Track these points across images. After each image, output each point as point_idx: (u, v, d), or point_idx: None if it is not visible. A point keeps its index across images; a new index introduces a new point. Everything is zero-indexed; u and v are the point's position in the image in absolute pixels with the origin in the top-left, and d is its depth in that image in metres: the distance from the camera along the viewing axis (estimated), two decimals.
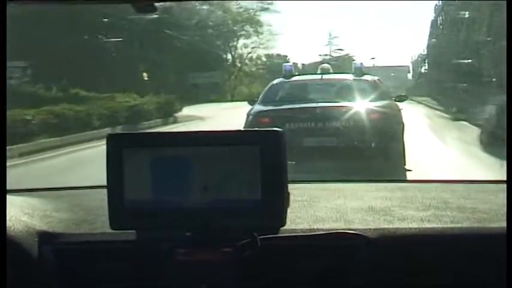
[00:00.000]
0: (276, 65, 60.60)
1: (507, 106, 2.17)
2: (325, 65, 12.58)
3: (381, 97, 9.96)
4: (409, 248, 1.51)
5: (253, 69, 55.06)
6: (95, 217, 1.66)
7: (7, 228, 1.50)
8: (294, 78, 10.92)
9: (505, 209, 1.65)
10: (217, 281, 1.47)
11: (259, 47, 52.44)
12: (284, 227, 1.47)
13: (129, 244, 1.52)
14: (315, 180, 2.44)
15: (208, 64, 40.68)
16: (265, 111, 9.60)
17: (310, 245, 1.51)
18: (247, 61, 54.27)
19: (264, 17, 53.40)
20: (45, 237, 1.55)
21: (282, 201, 1.43)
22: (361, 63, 11.13)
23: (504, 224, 1.54)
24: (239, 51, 53.27)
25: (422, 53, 45.08)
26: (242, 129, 1.50)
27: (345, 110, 9.30)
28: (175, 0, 5.75)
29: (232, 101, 39.70)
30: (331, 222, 1.60)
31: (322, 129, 9.17)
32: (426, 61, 40.86)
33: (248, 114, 9.90)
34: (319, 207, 1.74)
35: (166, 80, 34.32)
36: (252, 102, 11.22)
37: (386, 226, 1.56)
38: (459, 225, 1.57)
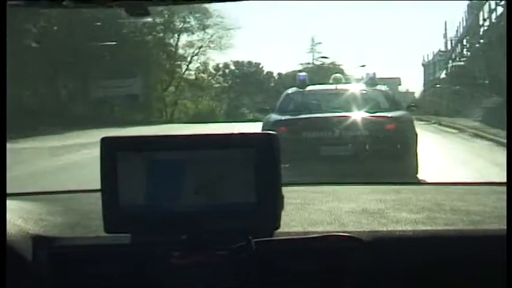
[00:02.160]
0: (246, 75, 55.27)
1: (507, 106, 2.18)
2: (337, 75, 12.79)
3: (395, 107, 10.24)
4: (403, 251, 1.52)
5: (207, 77, 47.15)
6: (89, 221, 1.66)
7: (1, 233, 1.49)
8: (308, 88, 11.15)
9: (498, 211, 1.66)
10: (212, 284, 1.47)
11: (209, 47, 44.23)
12: (279, 230, 1.47)
13: (123, 248, 1.52)
14: (309, 183, 2.45)
15: (125, 69, 30.06)
16: (282, 120, 9.77)
17: (304, 247, 1.51)
18: (192, 66, 45.35)
19: (214, 6, 42.29)
20: (39, 241, 1.55)
21: (276, 204, 1.43)
22: (374, 73, 11.38)
23: (497, 226, 1.55)
24: (180, 51, 44.33)
25: (440, 55, 42.80)
26: (237, 132, 1.50)
27: (361, 120, 9.52)
28: (169, 4, 5.73)
29: (170, 122, 34.88)
30: (325, 224, 1.60)
31: (339, 139, 9.39)
32: (449, 68, 37.36)
33: (264, 124, 10.17)
34: (314, 209, 1.74)
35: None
36: (262, 110, 11.78)
37: (380, 228, 1.56)
38: (453, 227, 1.58)
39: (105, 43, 28.31)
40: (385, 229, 1.56)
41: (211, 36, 43.52)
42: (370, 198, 1.88)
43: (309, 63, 53.63)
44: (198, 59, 46.50)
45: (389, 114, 9.82)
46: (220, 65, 53.51)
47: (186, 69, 45.69)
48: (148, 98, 36.34)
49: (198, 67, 46.66)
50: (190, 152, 1.44)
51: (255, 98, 52.94)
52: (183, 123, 35.74)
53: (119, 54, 30.78)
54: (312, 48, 54.83)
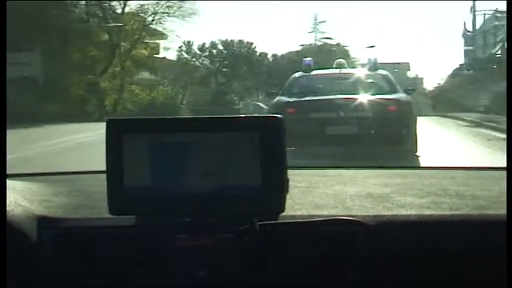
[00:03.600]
0: (236, 56, 47.16)
1: (507, 105, 2.17)
2: (341, 60, 13.18)
3: (395, 90, 10.98)
4: (408, 235, 1.51)
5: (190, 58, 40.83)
6: (94, 202, 1.67)
7: (6, 213, 1.50)
8: (313, 72, 11.91)
9: (504, 196, 1.66)
10: (216, 267, 1.47)
11: (167, 14, 35.24)
12: (283, 213, 1.47)
13: (128, 229, 1.52)
14: (314, 167, 2.45)
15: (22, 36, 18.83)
16: (290, 102, 10.49)
17: (309, 231, 1.51)
18: (146, 41, 35.90)
19: None
20: (44, 222, 1.55)
21: (281, 187, 1.43)
22: (375, 59, 12.07)
23: (503, 211, 1.55)
24: (127, 19, 33.81)
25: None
26: (242, 115, 1.50)
27: (364, 102, 10.26)
28: None
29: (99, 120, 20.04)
30: (330, 208, 1.60)
31: (344, 119, 10.09)
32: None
33: (273, 105, 11.03)
34: (318, 193, 1.74)
35: None
36: (270, 93, 12.53)
37: (385, 213, 1.56)
38: (458, 212, 1.57)
39: None
40: (389, 213, 1.56)
41: None
42: (375, 182, 1.88)
43: (310, 44, 48.60)
44: (153, 32, 36.84)
45: (390, 97, 10.55)
46: (207, 45, 47.23)
47: (136, 45, 35.88)
48: (60, 82, 25.40)
49: (151, 44, 37.13)
50: (195, 134, 1.44)
51: (246, 83, 47.83)
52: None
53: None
54: (315, 28, 50.54)
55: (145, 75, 39.86)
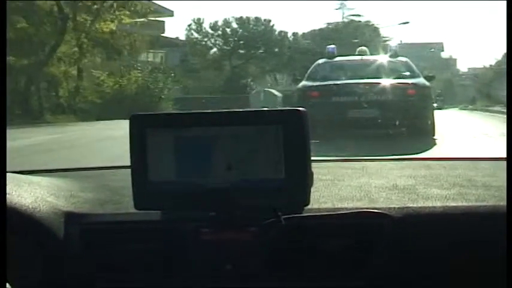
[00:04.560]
0: (253, 36, 41.29)
1: (507, 103, 2.15)
2: (363, 48, 13.80)
3: (414, 76, 11.56)
4: (434, 227, 1.50)
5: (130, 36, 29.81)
6: (120, 197, 1.67)
7: (33, 209, 1.51)
8: (337, 58, 12.49)
9: None
10: (242, 261, 1.47)
11: None
12: (308, 206, 1.47)
13: (154, 224, 1.53)
14: (338, 159, 2.44)
15: None
16: (314, 86, 11.15)
17: (334, 224, 1.51)
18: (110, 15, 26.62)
19: None
20: (71, 217, 1.56)
21: (305, 180, 1.43)
22: (396, 46, 13.14)
23: None
24: None
25: None
26: (265, 108, 1.50)
27: (384, 86, 10.83)
28: None
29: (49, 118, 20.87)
30: (355, 201, 1.59)
31: (365, 102, 10.64)
32: None
33: (296, 90, 11.81)
34: (343, 185, 1.74)
35: None
36: (295, 80, 12.97)
37: (411, 205, 1.55)
38: (484, 203, 1.56)
39: None
40: (415, 205, 1.55)
41: None
42: (401, 174, 1.86)
43: (338, 23, 44.82)
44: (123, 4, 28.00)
45: (409, 81, 11.20)
46: (219, 23, 42.08)
47: (96, 18, 26.94)
48: None
49: (113, 19, 27.47)
50: (219, 128, 1.44)
51: (264, 65, 43.17)
52: (83, 115, 23.69)
53: None
54: (342, 4, 47.92)
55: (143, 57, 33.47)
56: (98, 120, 19.36)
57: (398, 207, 1.53)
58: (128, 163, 1.48)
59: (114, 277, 1.53)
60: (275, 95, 32.97)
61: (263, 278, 1.49)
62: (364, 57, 12.77)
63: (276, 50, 44.24)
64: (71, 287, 1.53)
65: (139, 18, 31.42)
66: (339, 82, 11.18)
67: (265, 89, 35.19)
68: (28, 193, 1.57)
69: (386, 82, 10.99)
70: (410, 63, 12.12)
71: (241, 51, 44.06)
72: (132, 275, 1.53)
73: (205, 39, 43.39)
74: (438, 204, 1.55)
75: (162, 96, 31.10)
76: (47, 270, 1.49)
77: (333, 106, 10.64)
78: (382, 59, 12.59)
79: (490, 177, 1.80)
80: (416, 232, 1.50)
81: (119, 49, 30.33)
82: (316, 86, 11.12)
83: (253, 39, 43.31)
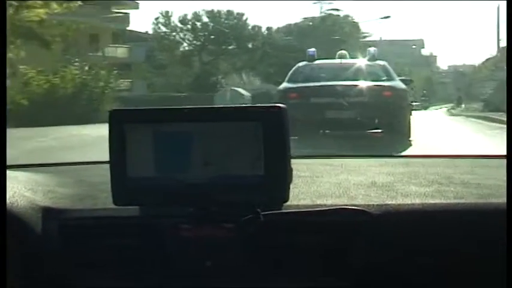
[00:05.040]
0: (224, 30, 38.29)
1: (507, 103, 2.17)
2: (343, 52, 14.19)
3: (391, 78, 12.04)
4: (413, 224, 1.51)
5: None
6: (98, 192, 1.67)
7: (10, 204, 1.50)
8: (316, 62, 12.97)
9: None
10: (221, 257, 1.47)
11: None
12: (287, 203, 1.47)
13: (132, 220, 1.52)
14: (317, 156, 2.44)
15: None
16: (293, 87, 11.57)
17: (313, 220, 1.51)
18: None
19: None
20: (48, 213, 1.55)
21: (285, 176, 1.43)
22: (375, 50, 13.20)
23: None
24: None
25: None
26: (245, 105, 1.50)
27: (361, 88, 11.33)
28: None
29: None
30: (334, 197, 1.60)
31: (342, 104, 11.02)
32: None
33: (278, 91, 12.25)
34: (322, 182, 1.74)
35: None
36: (276, 83, 14.07)
37: (390, 202, 1.56)
38: (463, 200, 1.57)
39: None
40: (394, 202, 1.55)
41: None
42: (379, 171, 1.87)
43: (314, 17, 42.71)
44: None
45: (385, 84, 11.66)
46: (189, 16, 39.90)
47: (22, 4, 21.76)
48: None
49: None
50: (198, 124, 1.44)
51: (235, 61, 40.99)
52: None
53: None
54: None
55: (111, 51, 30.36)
56: (19, 127, 15.41)
57: (377, 204, 1.54)
58: (107, 159, 1.47)
59: (93, 273, 1.52)
60: (242, 95, 31.26)
61: (242, 274, 1.49)
62: (343, 61, 13.24)
63: (249, 45, 42.12)
64: (50, 283, 1.52)
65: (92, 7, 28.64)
66: (317, 84, 11.61)
67: (232, 88, 33.17)
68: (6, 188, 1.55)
69: (363, 84, 11.47)
70: (388, 66, 12.61)
71: (212, 47, 41.40)
72: (110, 271, 1.52)
73: (174, 34, 40.58)
74: (417, 201, 1.56)
75: (103, 98, 25.95)
76: (25, 265, 1.48)
77: (311, 107, 11.07)
78: (361, 62, 13.07)
79: (468, 175, 1.81)
80: (395, 229, 1.51)
81: (48, 40, 25.20)
82: (296, 87, 11.57)
83: (224, 34, 40.62)
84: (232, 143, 1.42)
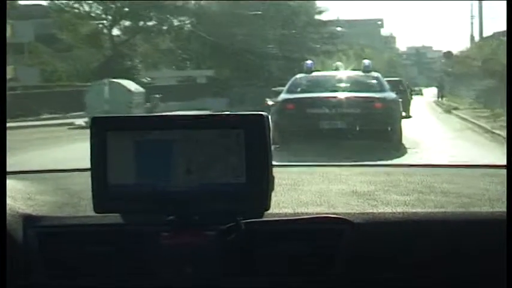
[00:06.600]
0: (141, 2, 27.06)
1: (507, 102, 2.19)
2: (339, 63, 15.24)
3: (383, 90, 12.53)
4: (393, 232, 1.52)
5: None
6: (78, 200, 1.66)
7: None
8: (313, 73, 13.54)
9: (489, 193, 1.67)
10: (201, 265, 1.47)
11: None
12: (268, 211, 1.47)
13: (112, 227, 1.51)
14: (299, 164, 2.45)
15: None
16: (290, 99, 12.08)
17: (293, 229, 1.51)
18: None
19: None
20: (29, 220, 1.54)
21: (266, 184, 1.43)
22: (369, 62, 13.86)
23: (488, 209, 1.56)
24: None
25: None
26: (227, 112, 1.50)
27: (355, 99, 11.80)
28: None
29: None
30: (315, 206, 1.60)
31: (335, 114, 11.54)
32: None
33: (275, 102, 12.85)
34: (303, 191, 1.74)
35: None
36: (275, 93, 14.63)
37: (370, 210, 1.56)
38: (443, 209, 1.58)
39: None
40: (375, 211, 1.56)
41: None
42: (360, 180, 1.88)
43: None
44: None
45: (377, 95, 12.10)
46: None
47: None
48: None
49: None
50: (180, 131, 1.44)
51: (157, 41, 32.85)
52: None
53: None
54: None
55: None
56: None
57: (358, 213, 1.54)
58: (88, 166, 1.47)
59: (72, 280, 1.51)
60: (129, 91, 22.31)
61: (223, 282, 1.49)
62: (339, 72, 14.00)
63: (175, 22, 33.88)
64: None
65: None
66: (312, 95, 12.13)
67: (112, 80, 22.82)
68: None
69: (355, 96, 11.98)
70: (381, 78, 13.19)
71: (126, 23, 32.77)
72: (90, 278, 1.51)
73: (77, 6, 30.34)
74: (398, 210, 1.57)
75: None
76: (4, 273, 1.47)
77: (306, 117, 11.61)
78: (355, 73, 13.76)
79: (448, 184, 1.82)
80: (375, 237, 1.51)
81: None
82: (292, 98, 12.09)
83: (142, 7, 31.71)
84: (214, 151, 1.42)
